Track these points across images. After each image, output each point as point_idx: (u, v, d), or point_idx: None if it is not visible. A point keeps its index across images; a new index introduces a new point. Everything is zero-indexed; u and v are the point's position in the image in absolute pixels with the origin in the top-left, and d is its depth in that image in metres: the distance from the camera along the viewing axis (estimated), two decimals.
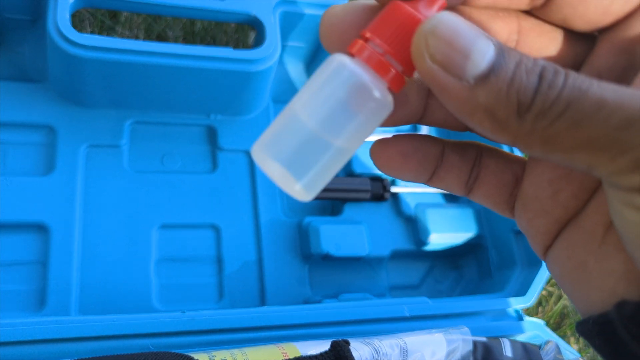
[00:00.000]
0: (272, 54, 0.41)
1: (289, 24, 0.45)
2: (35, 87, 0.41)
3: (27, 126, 0.40)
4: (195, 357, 0.25)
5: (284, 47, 0.47)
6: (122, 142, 0.42)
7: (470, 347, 0.31)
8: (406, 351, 0.29)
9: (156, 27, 0.52)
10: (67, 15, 0.37)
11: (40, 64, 0.42)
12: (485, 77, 0.14)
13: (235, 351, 0.26)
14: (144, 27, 0.53)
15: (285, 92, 0.49)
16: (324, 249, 0.40)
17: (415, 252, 0.45)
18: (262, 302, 0.40)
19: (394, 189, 0.45)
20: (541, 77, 0.13)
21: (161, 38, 0.53)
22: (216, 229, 0.42)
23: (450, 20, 0.14)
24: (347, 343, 0.27)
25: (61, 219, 0.38)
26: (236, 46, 0.51)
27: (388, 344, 0.29)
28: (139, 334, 0.29)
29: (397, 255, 0.44)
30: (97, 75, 0.39)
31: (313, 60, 0.49)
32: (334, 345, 0.27)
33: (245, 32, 0.57)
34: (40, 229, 0.38)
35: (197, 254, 0.41)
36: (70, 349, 0.28)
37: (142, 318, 0.30)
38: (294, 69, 0.50)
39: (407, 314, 0.35)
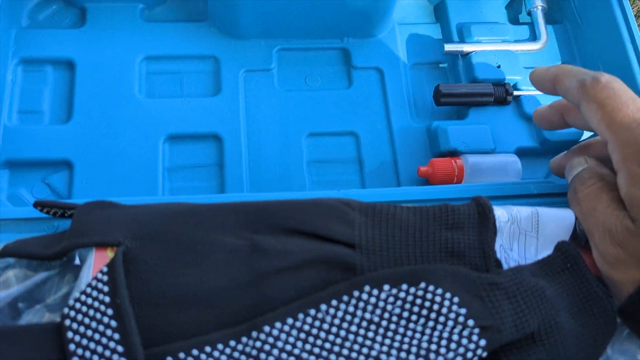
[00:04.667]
0: None
1: None
2: (200, 26, 0.50)
3: (196, 57, 0.49)
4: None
5: None
6: (271, 66, 0.49)
7: None
8: (537, 219, 0.33)
9: None
10: None
11: (201, 6, 0.50)
12: None
13: None
14: None
15: (409, 15, 0.54)
16: (452, 146, 0.45)
17: (539, 150, 0.48)
18: None
19: (516, 92, 0.48)
20: None
21: None
22: (355, 136, 0.48)
23: None
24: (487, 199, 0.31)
25: (230, 130, 0.46)
26: None
27: (522, 210, 0.33)
28: None
29: (522, 153, 0.47)
30: (249, 8, 0.46)
31: None
32: (475, 198, 0.31)
33: None
34: (215, 138, 0.46)
35: (341, 157, 0.47)
36: None
37: (299, 195, 0.36)
38: None
39: (535, 192, 0.38)
